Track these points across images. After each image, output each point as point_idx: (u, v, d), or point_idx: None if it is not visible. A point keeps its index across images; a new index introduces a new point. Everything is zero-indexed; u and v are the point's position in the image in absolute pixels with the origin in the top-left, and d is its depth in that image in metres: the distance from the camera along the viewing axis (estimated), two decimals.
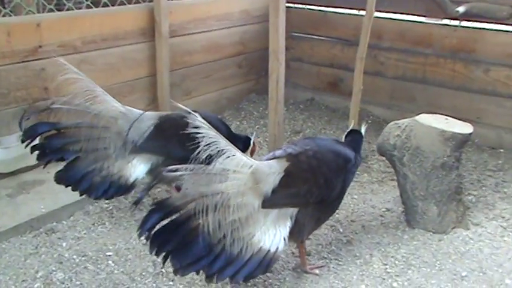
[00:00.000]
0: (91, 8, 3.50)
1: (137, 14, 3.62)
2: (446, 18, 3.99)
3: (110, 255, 2.57)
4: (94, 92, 2.67)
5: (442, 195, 2.71)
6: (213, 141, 1.95)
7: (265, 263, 2.09)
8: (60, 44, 3.21)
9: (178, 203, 1.98)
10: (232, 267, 2.03)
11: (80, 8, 3.61)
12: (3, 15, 3.09)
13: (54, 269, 2.46)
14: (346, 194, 2.60)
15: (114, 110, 2.72)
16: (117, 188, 2.71)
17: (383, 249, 2.64)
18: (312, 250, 2.62)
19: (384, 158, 3.14)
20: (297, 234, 2.26)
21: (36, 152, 2.65)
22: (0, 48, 2.96)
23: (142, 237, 2.01)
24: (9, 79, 3.02)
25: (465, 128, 2.72)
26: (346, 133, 2.68)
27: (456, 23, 3.95)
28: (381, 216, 2.97)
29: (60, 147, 2.66)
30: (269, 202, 2.11)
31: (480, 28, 3.87)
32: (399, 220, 2.90)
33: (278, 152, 2.30)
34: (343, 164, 2.37)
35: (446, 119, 2.81)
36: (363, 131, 2.67)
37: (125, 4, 3.65)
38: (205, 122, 1.97)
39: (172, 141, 2.75)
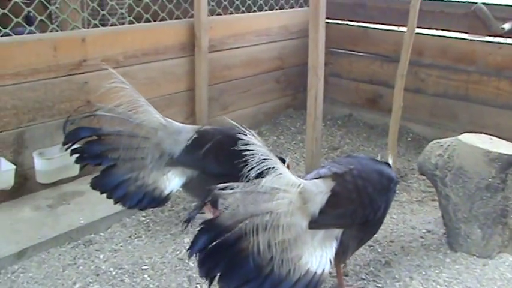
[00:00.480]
0: (133, 23, 3.57)
1: (178, 29, 3.67)
2: (490, 35, 3.89)
3: (145, 269, 2.58)
4: (137, 101, 2.70)
5: (487, 218, 2.62)
6: (264, 159, 1.91)
7: (313, 285, 2.04)
8: (103, 58, 3.27)
9: (228, 223, 1.93)
10: None
11: (123, 23, 3.68)
12: (51, 31, 3.18)
13: (91, 280, 2.48)
14: (379, 228, 2.52)
15: (156, 121, 2.75)
16: (152, 199, 2.72)
17: (424, 272, 2.56)
18: (349, 270, 2.57)
19: (424, 177, 3.07)
20: (341, 255, 2.22)
21: (76, 156, 2.69)
22: (47, 62, 3.03)
23: (192, 258, 1.98)
24: (54, 92, 3.10)
25: (511, 149, 2.62)
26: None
27: (501, 40, 3.85)
28: (421, 237, 2.88)
29: (99, 153, 2.69)
30: (316, 223, 2.07)
31: None
32: (441, 242, 2.82)
33: (323, 171, 2.25)
34: (387, 184, 2.33)
35: (491, 138, 2.73)
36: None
37: (166, 19, 3.70)
38: (257, 138, 1.94)
39: (208, 157, 2.76)
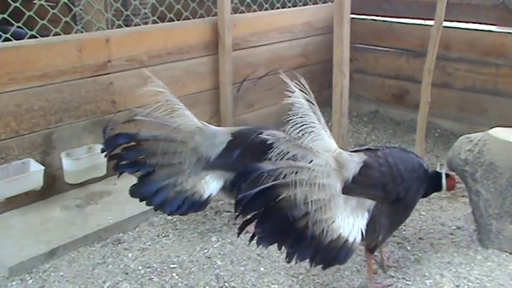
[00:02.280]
0: (157, 23, 3.58)
1: (201, 28, 3.67)
2: None
3: (174, 268, 2.59)
4: (174, 105, 2.69)
5: None
6: (305, 120, 1.98)
7: (344, 252, 2.07)
8: (127, 58, 3.30)
9: (270, 168, 1.95)
10: (312, 248, 2.01)
11: (147, 23, 3.70)
12: (75, 32, 3.21)
13: (120, 279, 2.50)
14: (414, 210, 2.50)
15: (192, 125, 2.73)
16: (191, 204, 2.70)
17: (454, 270, 2.51)
18: (378, 268, 2.53)
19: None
20: (372, 231, 2.22)
21: (113, 162, 2.69)
22: (72, 64, 3.07)
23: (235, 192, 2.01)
24: (80, 93, 3.13)
25: None
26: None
27: None
28: (451, 234, 2.83)
29: (137, 159, 2.69)
30: (350, 189, 2.11)
31: None
32: (471, 239, 2.76)
33: (356, 149, 2.33)
34: (417, 167, 2.36)
35: None
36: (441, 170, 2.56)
37: (189, 18, 3.71)
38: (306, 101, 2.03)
39: (244, 159, 2.72)
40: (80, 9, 3.36)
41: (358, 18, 4.59)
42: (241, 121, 4.01)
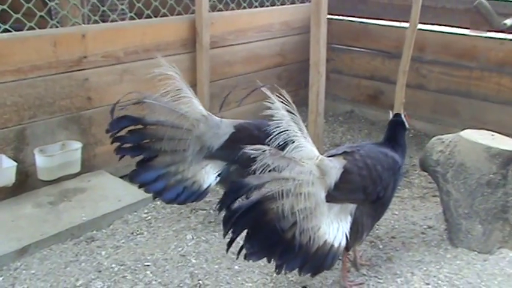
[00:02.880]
0: (134, 19, 3.56)
1: (179, 25, 3.66)
2: (492, 31, 3.88)
3: (148, 265, 2.58)
4: (184, 92, 2.67)
5: (487, 214, 2.62)
6: (286, 129, 2.00)
7: (331, 257, 2.11)
8: (103, 54, 3.27)
9: (256, 183, 1.98)
10: (300, 257, 2.04)
11: (124, 19, 3.67)
12: (51, 27, 3.17)
13: (93, 277, 2.49)
14: (387, 209, 2.55)
15: (199, 112, 2.73)
16: (191, 193, 2.72)
17: (425, 268, 2.56)
18: (351, 266, 2.57)
19: (425, 173, 3.06)
20: (355, 233, 2.26)
21: (116, 144, 2.65)
22: (47, 59, 3.03)
23: (223, 212, 2.02)
24: (54, 88, 3.10)
25: None
26: (388, 123, 2.65)
27: (503, 35, 3.84)
28: (423, 233, 2.88)
29: (141, 143, 2.65)
30: (333, 196, 2.13)
31: None
32: (441, 238, 2.82)
33: (332, 152, 2.34)
34: (393, 164, 2.41)
35: (493, 135, 2.72)
36: (403, 118, 2.66)
37: (167, 15, 3.69)
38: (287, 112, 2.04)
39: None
40: (56, 3, 3.31)
41: (335, 19, 4.64)
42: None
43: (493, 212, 2.62)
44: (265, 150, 1.97)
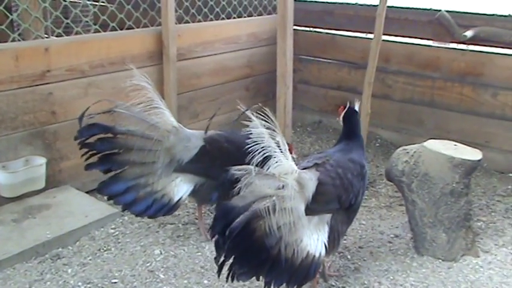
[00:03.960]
0: (99, 32, 3.52)
1: (145, 37, 3.63)
2: (454, 42, 3.98)
3: (115, 283, 2.54)
4: (156, 103, 2.64)
5: (451, 222, 2.68)
6: (264, 146, 2.02)
7: (313, 268, 2.14)
8: (68, 68, 3.22)
9: (241, 205, 1.98)
10: (287, 272, 2.06)
11: (88, 32, 3.63)
12: (12, 40, 3.11)
13: None
14: (354, 220, 2.58)
15: (170, 124, 2.70)
16: (160, 207, 2.68)
17: (391, 277, 2.60)
18: (320, 277, 2.58)
19: (392, 183, 3.11)
20: (333, 241, 2.30)
21: (86, 154, 2.59)
22: (9, 73, 2.97)
23: (213, 239, 2.01)
24: (16, 103, 3.03)
25: (474, 155, 2.69)
26: (343, 114, 2.67)
27: (464, 46, 3.94)
28: (390, 242, 2.93)
29: (111, 155, 2.60)
30: (311, 208, 2.16)
31: (488, 52, 3.86)
32: (408, 247, 2.86)
33: (303, 164, 2.37)
34: (360, 170, 2.47)
35: (455, 145, 2.79)
36: (357, 108, 2.69)
37: (132, 28, 3.67)
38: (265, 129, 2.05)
39: (215, 164, 2.72)
40: (17, 16, 3.25)
41: (302, 30, 4.68)
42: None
43: (457, 220, 2.68)
44: (249, 171, 1.98)
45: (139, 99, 2.59)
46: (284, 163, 2.07)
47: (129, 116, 2.59)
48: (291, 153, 2.92)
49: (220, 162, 2.69)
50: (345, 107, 2.69)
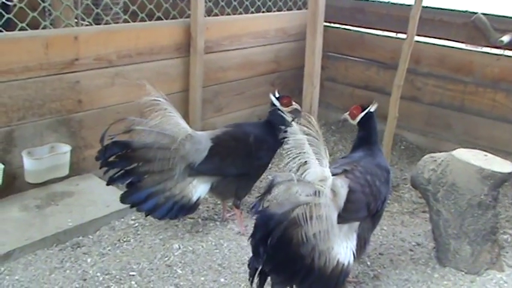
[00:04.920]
0: (128, 22, 3.51)
1: (173, 29, 3.62)
2: (488, 46, 3.87)
3: (133, 275, 2.55)
4: (170, 113, 2.71)
5: (477, 235, 2.61)
6: (299, 152, 2.01)
7: (343, 276, 2.13)
8: (96, 57, 3.23)
9: (281, 211, 1.96)
10: (319, 281, 2.05)
11: (118, 22, 3.62)
12: (43, 27, 3.12)
13: (77, 286, 2.45)
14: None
15: (184, 132, 2.77)
16: (181, 208, 2.77)
17: (411, 287, 2.55)
18: None
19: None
20: (359, 248, 2.28)
21: (107, 174, 2.68)
22: (38, 60, 2.98)
23: (251, 243, 2.00)
24: (44, 90, 3.05)
25: (505, 166, 2.61)
26: (360, 117, 2.64)
27: (499, 51, 3.83)
28: (411, 250, 2.87)
29: (129, 169, 2.69)
30: (342, 217, 2.13)
31: None
32: (429, 256, 2.81)
33: (332, 169, 2.31)
34: (386, 176, 2.45)
35: (486, 155, 2.71)
36: (372, 109, 2.65)
37: (162, 19, 3.65)
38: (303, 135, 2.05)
39: (226, 162, 2.86)
40: (49, 4, 3.25)
41: (332, 27, 4.61)
42: (210, 125, 3.98)
43: (483, 233, 2.61)
44: (291, 178, 1.96)
45: (155, 113, 2.65)
46: (319, 170, 2.04)
47: (147, 131, 2.67)
48: (290, 105, 3.01)
49: (230, 160, 2.87)
50: (362, 109, 2.65)
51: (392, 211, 3.27)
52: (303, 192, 2.01)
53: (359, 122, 2.65)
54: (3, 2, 3.09)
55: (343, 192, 2.16)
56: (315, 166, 2.03)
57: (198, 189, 2.82)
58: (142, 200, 2.70)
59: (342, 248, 2.14)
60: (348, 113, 2.68)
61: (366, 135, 2.62)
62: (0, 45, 2.85)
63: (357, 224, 2.26)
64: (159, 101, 2.66)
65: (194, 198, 2.80)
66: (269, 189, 1.97)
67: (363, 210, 2.25)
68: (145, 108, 2.62)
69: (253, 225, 2.01)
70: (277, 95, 3.07)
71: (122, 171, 2.69)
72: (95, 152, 2.92)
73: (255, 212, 1.99)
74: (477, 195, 2.57)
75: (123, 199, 2.71)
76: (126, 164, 2.68)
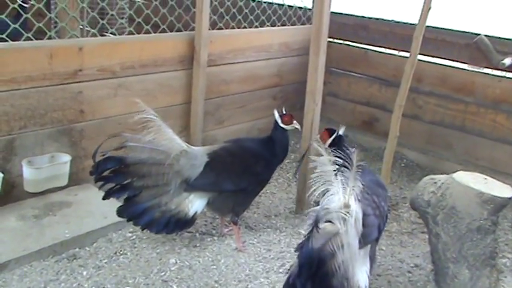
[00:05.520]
0: (133, 34, 3.52)
1: (177, 42, 3.62)
2: (489, 68, 3.89)
3: None
4: (163, 129, 2.74)
5: (476, 260, 2.59)
6: (325, 181, 2.02)
7: None
8: (99, 68, 3.23)
9: (317, 246, 1.94)
10: None
11: (122, 34, 3.63)
12: (48, 38, 3.12)
13: None
14: None
15: (178, 148, 2.79)
16: (177, 222, 2.78)
17: None
18: None
19: None
20: (371, 271, 2.29)
21: (103, 188, 2.72)
22: (42, 70, 2.99)
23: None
24: (47, 100, 3.05)
25: (504, 191, 2.60)
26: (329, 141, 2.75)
27: (501, 73, 3.84)
28: (409, 272, 2.86)
29: (125, 184, 2.70)
30: (362, 242, 2.12)
31: None
32: (427, 279, 2.79)
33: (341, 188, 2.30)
34: (386, 194, 2.48)
35: (485, 178, 2.70)
36: (341, 132, 2.78)
37: (166, 31, 3.66)
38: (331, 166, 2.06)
39: (221, 178, 2.87)
40: (55, 15, 3.27)
41: (335, 42, 4.62)
42: (210, 137, 3.98)
43: (482, 258, 2.59)
44: (327, 208, 1.97)
45: (149, 129, 2.68)
46: (342, 199, 2.04)
47: (140, 148, 2.69)
48: (291, 123, 3.05)
49: (225, 175, 2.88)
50: (329, 133, 2.67)
51: (391, 230, 3.26)
52: (336, 221, 2.00)
53: (330, 145, 2.69)
54: (20, 4, 3.11)
55: (360, 217, 2.13)
56: (339, 193, 2.03)
57: (195, 204, 2.82)
58: (139, 214, 2.71)
59: (361, 273, 2.14)
60: (319, 136, 2.73)
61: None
62: (5, 55, 2.85)
63: (369, 246, 2.27)
64: (154, 119, 2.69)
65: (191, 214, 2.80)
66: (316, 225, 1.97)
67: (375, 232, 2.26)
68: (139, 125, 2.65)
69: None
70: (282, 112, 3.07)
71: (118, 186, 2.70)
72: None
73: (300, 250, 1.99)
74: (476, 220, 2.56)
75: (119, 213, 2.73)
76: (121, 179, 2.69)
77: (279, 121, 3.04)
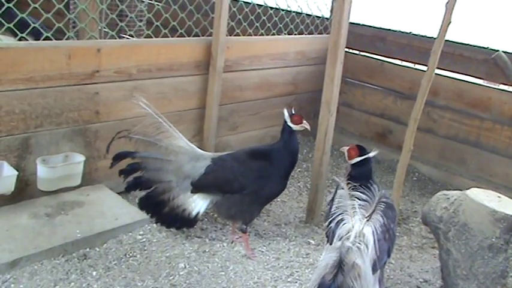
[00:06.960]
0: (151, 37, 3.55)
1: (194, 47, 3.64)
2: (506, 84, 3.86)
3: None
4: (168, 128, 2.90)
5: (486, 278, 2.57)
6: (339, 213, 2.10)
7: None
8: (116, 70, 3.26)
9: (330, 277, 2.00)
10: None
11: (141, 36, 3.66)
12: (67, 38, 3.16)
13: None
14: None
15: (180, 145, 2.93)
16: (182, 220, 2.95)
17: None
18: None
19: None
20: None
21: (121, 175, 2.98)
22: (60, 70, 3.02)
23: None
24: (63, 100, 3.08)
25: None
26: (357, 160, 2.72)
27: None
28: (418, 287, 2.84)
29: (139, 177, 2.95)
30: (375, 268, 2.13)
31: None
32: None
33: (356, 218, 2.29)
34: (395, 215, 2.47)
35: (499, 196, 2.68)
36: (372, 154, 2.73)
37: (184, 36, 3.68)
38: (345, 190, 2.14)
39: (220, 179, 2.96)
40: (75, 16, 3.30)
41: (351, 53, 4.62)
42: (223, 143, 3.99)
43: (492, 276, 2.57)
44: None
45: (152, 125, 2.89)
46: (355, 228, 2.07)
47: (148, 142, 2.88)
48: (300, 123, 3.05)
49: (224, 177, 2.96)
50: (359, 151, 2.65)
51: (401, 244, 3.25)
52: (346, 252, 2.04)
53: (353, 164, 2.66)
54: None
55: (372, 243, 2.14)
56: (351, 223, 2.07)
57: (198, 204, 2.95)
58: (153, 207, 2.94)
59: None
60: (347, 148, 2.69)
61: (363, 176, 2.62)
62: (24, 54, 2.88)
63: (379, 271, 2.25)
64: (161, 121, 2.87)
65: (194, 213, 2.93)
66: (341, 264, 2.00)
67: (385, 257, 2.25)
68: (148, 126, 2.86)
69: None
70: (291, 112, 3.08)
71: (132, 179, 2.93)
72: (108, 163, 2.98)
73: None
74: (488, 238, 2.54)
75: (140, 205, 2.99)
76: (134, 171, 2.92)
77: (288, 120, 3.03)
